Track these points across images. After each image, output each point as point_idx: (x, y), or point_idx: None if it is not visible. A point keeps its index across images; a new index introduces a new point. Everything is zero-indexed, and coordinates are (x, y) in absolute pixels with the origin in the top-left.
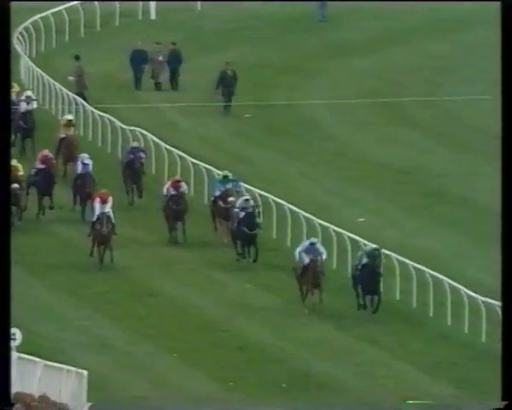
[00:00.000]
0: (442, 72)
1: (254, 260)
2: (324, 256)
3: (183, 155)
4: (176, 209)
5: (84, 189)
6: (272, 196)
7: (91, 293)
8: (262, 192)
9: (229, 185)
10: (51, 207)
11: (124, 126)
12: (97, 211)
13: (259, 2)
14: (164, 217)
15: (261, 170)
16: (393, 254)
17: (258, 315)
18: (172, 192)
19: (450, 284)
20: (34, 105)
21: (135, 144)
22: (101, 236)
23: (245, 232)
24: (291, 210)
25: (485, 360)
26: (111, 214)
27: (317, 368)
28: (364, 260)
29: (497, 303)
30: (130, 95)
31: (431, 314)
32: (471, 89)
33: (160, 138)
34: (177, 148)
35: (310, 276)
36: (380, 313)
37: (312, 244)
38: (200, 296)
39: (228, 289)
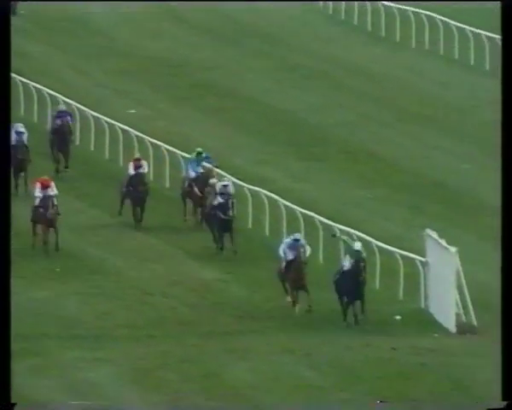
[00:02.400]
0: None
1: (233, 249)
2: (308, 252)
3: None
4: (136, 195)
5: (16, 156)
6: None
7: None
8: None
9: (204, 164)
10: None
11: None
12: (39, 195)
13: None
14: (122, 199)
15: (35, 63)
16: (161, 143)
17: None
18: (132, 172)
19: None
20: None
21: (61, 108)
22: (46, 219)
23: (220, 218)
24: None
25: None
26: (54, 199)
27: (90, 253)
28: (347, 265)
29: (263, 192)
30: None
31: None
32: None
33: None
34: None
35: (293, 274)
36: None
37: (296, 241)
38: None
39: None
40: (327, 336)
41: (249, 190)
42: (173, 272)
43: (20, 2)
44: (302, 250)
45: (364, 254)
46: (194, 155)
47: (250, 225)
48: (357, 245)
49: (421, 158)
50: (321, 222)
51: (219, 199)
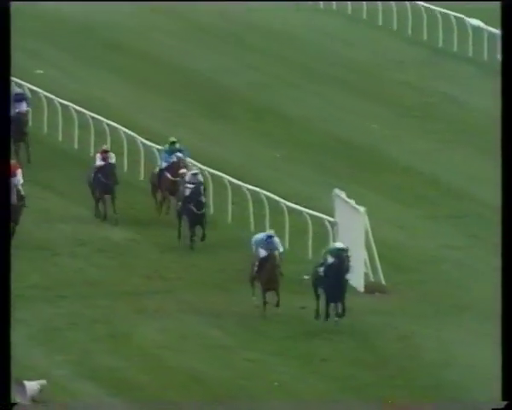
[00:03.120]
0: None
1: (202, 239)
2: (281, 250)
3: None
4: (105, 182)
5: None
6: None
7: None
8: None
9: (177, 155)
10: None
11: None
12: None
13: None
14: (90, 190)
15: None
16: (71, 104)
17: None
18: (100, 163)
19: (125, 133)
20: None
21: (18, 90)
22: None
23: (192, 211)
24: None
25: None
26: (20, 187)
27: None
28: (329, 262)
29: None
30: None
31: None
32: None
33: None
34: None
35: (266, 275)
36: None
37: (270, 237)
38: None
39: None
40: (235, 296)
41: (157, 149)
42: (81, 232)
43: None
44: (277, 252)
45: (349, 252)
46: (167, 145)
47: None
48: (339, 244)
49: (329, 118)
50: (230, 182)
51: (190, 187)
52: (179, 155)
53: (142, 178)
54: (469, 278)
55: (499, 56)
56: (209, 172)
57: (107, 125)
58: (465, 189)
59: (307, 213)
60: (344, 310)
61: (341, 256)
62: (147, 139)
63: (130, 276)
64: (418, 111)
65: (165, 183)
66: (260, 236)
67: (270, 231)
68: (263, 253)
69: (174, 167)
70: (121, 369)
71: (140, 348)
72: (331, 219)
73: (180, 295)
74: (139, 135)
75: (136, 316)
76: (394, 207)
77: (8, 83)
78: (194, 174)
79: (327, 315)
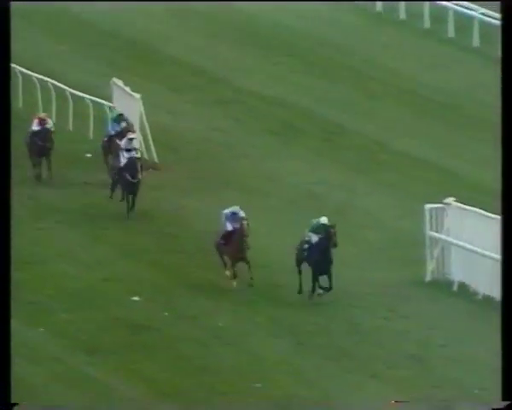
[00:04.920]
0: None
1: (132, 207)
2: (245, 223)
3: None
4: (41, 145)
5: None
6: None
7: None
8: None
9: (124, 124)
10: None
11: None
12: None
13: None
14: (28, 153)
15: None
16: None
17: None
18: (36, 128)
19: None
20: None
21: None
22: None
23: (127, 180)
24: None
25: None
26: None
27: None
28: (314, 239)
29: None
30: None
31: None
32: None
33: None
34: None
35: (233, 247)
36: None
37: (234, 214)
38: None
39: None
40: None
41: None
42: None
43: None
44: (245, 223)
45: (332, 226)
46: (114, 115)
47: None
48: (324, 219)
49: (116, 19)
50: (21, 72)
51: (125, 156)
52: (124, 124)
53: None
54: (233, 157)
55: None
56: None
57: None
58: (228, 77)
59: (89, 99)
60: (331, 284)
61: (328, 232)
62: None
63: None
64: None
65: (115, 148)
66: (226, 211)
67: (236, 208)
68: (229, 227)
69: (124, 133)
70: None
71: None
72: (110, 104)
73: None
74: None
75: None
76: (166, 94)
77: (8, 81)
78: (131, 139)
79: (313, 289)
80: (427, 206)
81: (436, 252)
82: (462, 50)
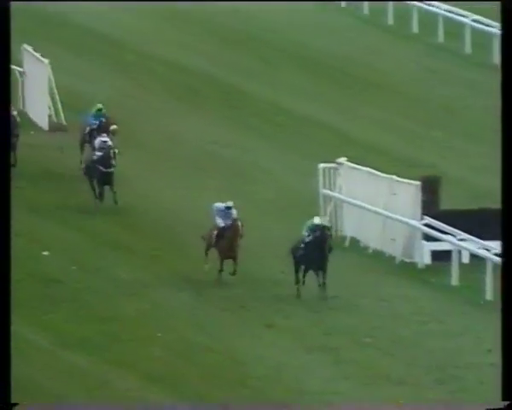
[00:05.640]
0: None
1: (115, 202)
2: (239, 223)
3: None
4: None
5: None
6: None
7: None
8: None
9: (104, 119)
10: None
11: None
12: None
13: None
14: None
15: None
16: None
17: None
18: None
19: None
20: None
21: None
22: None
23: (101, 171)
24: None
25: None
26: None
27: None
28: (309, 238)
29: None
30: None
31: None
32: None
33: None
34: None
35: (225, 244)
36: None
37: (228, 208)
38: None
39: None
40: None
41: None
42: None
43: None
44: (239, 223)
45: (328, 226)
46: (94, 109)
47: None
48: (317, 219)
49: None
50: None
51: (98, 153)
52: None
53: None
54: (136, 119)
55: None
56: None
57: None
58: (131, 42)
59: None
60: (325, 277)
61: (322, 232)
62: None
63: None
64: None
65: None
66: (218, 205)
67: (229, 203)
68: (221, 222)
69: (104, 126)
70: None
71: None
72: (19, 68)
73: None
74: None
75: None
76: (72, 59)
77: (8, 82)
78: (105, 141)
79: (303, 282)
80: (321, 165)
81: (329, 209)
82: (355, 18)
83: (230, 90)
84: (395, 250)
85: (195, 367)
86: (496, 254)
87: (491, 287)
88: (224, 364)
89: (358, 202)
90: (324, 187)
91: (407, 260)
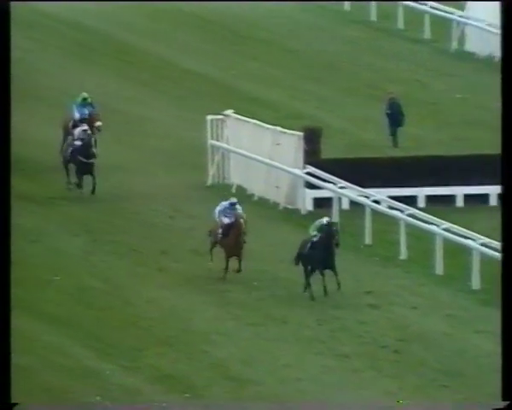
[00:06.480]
0: None
1: (92, 192)
2: (242, 220)
3: None
4: None
5: None
6: None
7: None
8: None
9: (89, 109)
10: None
11: None
12: None
13: None
14: None
15: None
16: None
17: None
18: None
19: None
20: None
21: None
22: None
23: (81, 161)
24: None
25: None
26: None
27: None
28: (316, 238)
29: None
30: None
31: None
32: None
33: None
34: None
35: (231, 241)
36: None
37: (233, 205)
38: None
39: None
40: None
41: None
42: None
43: None
44: (243, 220)
45: (335, 223)
46: (79, 99)
47: None
48: (325, 220)
49: None
50: None
51: (78, 143)
52: (91, 109)
53: None
54: (31, 73)
55: None
56: None
57: None
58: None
59: None
60: (338, 280)
61: (329, 231)
62: None
63: None
64: None
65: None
66: (224, 203)
67: (233, 199)
68: (226, 220)
69: (89, 120)
70: None
71: None
72: None
73: None
74: None
75: None
76: None
77: (8, 82)
78: (84, 130)
79: (310, 285)
80: (209, 117)
81: (216, 159)
82: None
83: (121, 45)
84: (279, 197)
85: (89, 309)
86: (374, 201)
87: (369, 232)
88: (116, 305)
89: (244, 152)
90: (212, 138)
91: (290, 207)
